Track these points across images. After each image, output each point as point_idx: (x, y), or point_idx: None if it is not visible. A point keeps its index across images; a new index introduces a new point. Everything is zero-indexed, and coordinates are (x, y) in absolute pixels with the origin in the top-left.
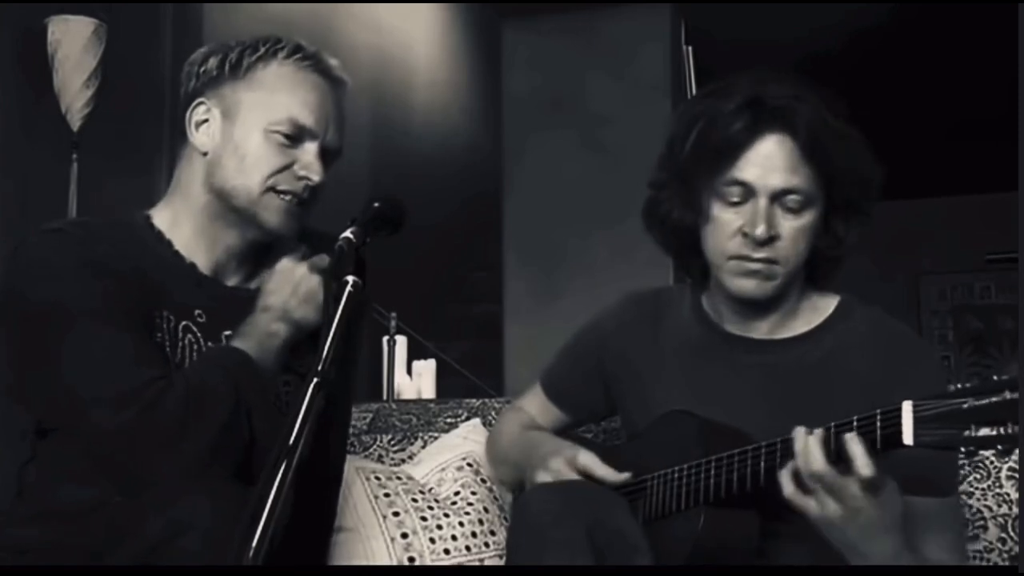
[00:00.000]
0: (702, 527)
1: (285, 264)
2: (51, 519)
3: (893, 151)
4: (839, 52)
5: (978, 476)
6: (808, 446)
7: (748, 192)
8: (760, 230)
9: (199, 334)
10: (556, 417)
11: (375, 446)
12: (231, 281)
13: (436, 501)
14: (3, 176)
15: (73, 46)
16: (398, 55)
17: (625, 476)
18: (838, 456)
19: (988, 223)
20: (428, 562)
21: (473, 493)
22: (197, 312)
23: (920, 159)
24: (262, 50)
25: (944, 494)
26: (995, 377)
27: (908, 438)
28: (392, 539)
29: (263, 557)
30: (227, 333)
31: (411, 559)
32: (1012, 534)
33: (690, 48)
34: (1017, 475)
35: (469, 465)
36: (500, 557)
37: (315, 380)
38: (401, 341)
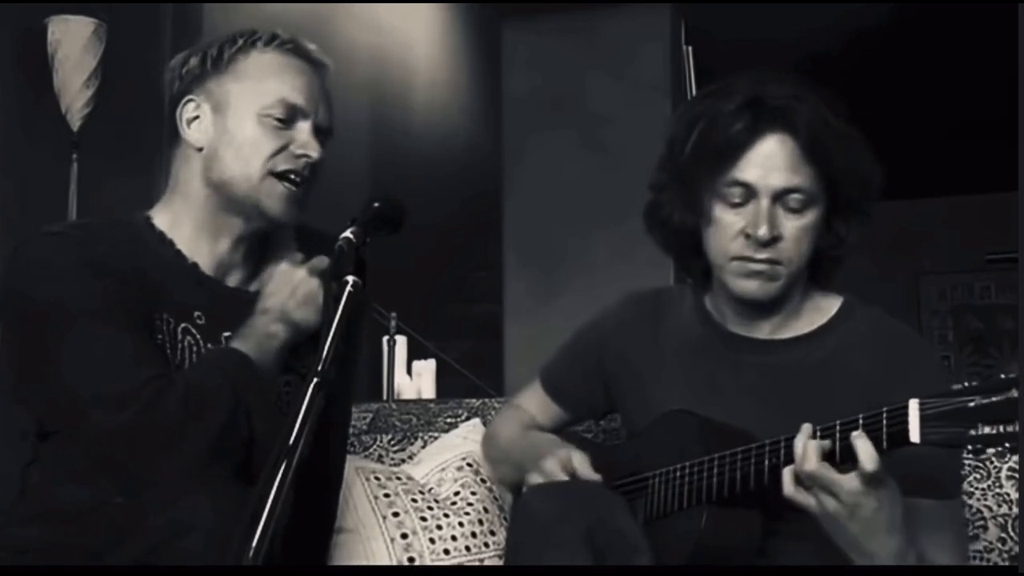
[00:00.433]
0: (705, 525)
1: (284, 267)
2: (51, 519)
3: (893, 151)
4: (839, 52)
5: (978, 476)
6: (803, 444)
7: (749, 193)
8: (763, 231)
9: (198, 336)
10: (555, 414)
11: (375, 446)
12: (233, 281)
13: (436, 501)
14: (3, 176)
15: (73, 46)
16: (398, 55)
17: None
18: (843, 455)
19: (988, 223)
20: (428, 562)
21: (473, 493)
22: (196, 314)
23: (920, 159)
24: (240, 42)
25: (948, 496)
26: (1001, 375)
27: (915, 436)
28: (392, 539)
29: (263, 557)
30: (226, 335)
31: (411, 559)
32: (1012, 534)
33: (690, 48)
34: (1017, 475)
35: (469, 465)
36: (500, 557)
37: (315, 380)
38: (401, 341)
